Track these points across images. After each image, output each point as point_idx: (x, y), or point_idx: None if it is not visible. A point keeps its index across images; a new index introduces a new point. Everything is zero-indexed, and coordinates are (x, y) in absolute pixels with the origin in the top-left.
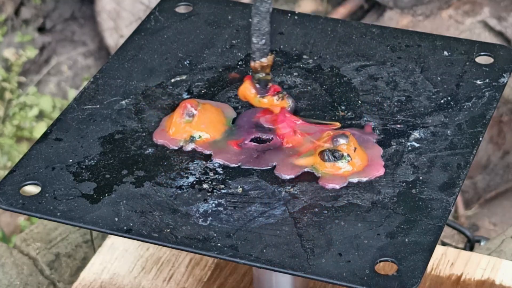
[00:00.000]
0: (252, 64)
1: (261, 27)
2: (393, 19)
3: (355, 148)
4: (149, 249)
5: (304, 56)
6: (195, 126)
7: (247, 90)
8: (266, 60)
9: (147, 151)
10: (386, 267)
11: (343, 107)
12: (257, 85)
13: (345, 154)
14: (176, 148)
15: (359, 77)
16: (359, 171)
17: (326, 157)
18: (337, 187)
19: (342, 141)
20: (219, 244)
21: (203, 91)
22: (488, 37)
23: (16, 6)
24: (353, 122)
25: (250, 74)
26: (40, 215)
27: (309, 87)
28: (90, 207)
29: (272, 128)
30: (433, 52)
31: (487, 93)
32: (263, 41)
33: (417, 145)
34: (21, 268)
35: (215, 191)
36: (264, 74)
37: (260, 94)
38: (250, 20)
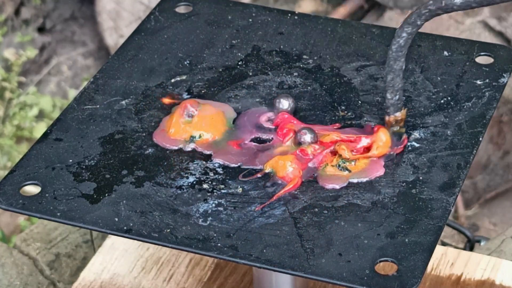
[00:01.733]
0: (386, 118)
1: (395, 84)
2: (393, 19)
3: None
4: (149, 249)
5: (304, 56)
6: (195, 126)
7: (381, 140)
8: (400, 114)
9: (147, 151)
10: (386, 267)
11: (343, 107)
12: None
13: (348, 167)
14: (176, 148)
15: (359, 77)
16: (359, 171)
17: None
18: (337, 187)
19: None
20: (219, 244)
21: (203, 91)
22: (488, 37)
23: (16, 6)
24: (353, 122)
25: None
26: (40, 215)
27: (309, 87)
28: (90, 207)
29: (272, 128)
30: (433, 52)
31: (487, 93)
32: (397, 96)
33: (417, 145)
34: (21, 268)
35: (215, 191)
36: (398, 128)
37: (394, 146)
38: (384, 76)
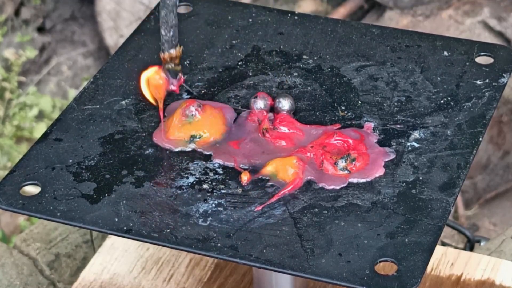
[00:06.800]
0: (161, 55)
1: (169, 20)
2: (393, 19)
3: (354, 158)
4: (149, 249)
5: (304, 56)
6: (195, 126)
7: (155, 79)
8: (174, 52)
9: (147, 151)
10: (386, 267)
11: (343, 107)
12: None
13: (348, 167)
14: (176, 148)
15: (359, 77)
16: (359, 171)
17: (338, 165)
18: (337, 187)
19: None
20: (219, 244)
21: (203, 91)
22: (488, 37)
23: (16, 6)
24: (353, 122)
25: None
26: (40, 215)
27: (309, 87)
28: (90, 207)
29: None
30: (433, 52)
31: (487, 93)
32: (171, 33)
33: (417, 145)
34: (21, 268)
35: (215, 191)
36: (173, 65)
37: (170, 83)
38: (159, 13)
